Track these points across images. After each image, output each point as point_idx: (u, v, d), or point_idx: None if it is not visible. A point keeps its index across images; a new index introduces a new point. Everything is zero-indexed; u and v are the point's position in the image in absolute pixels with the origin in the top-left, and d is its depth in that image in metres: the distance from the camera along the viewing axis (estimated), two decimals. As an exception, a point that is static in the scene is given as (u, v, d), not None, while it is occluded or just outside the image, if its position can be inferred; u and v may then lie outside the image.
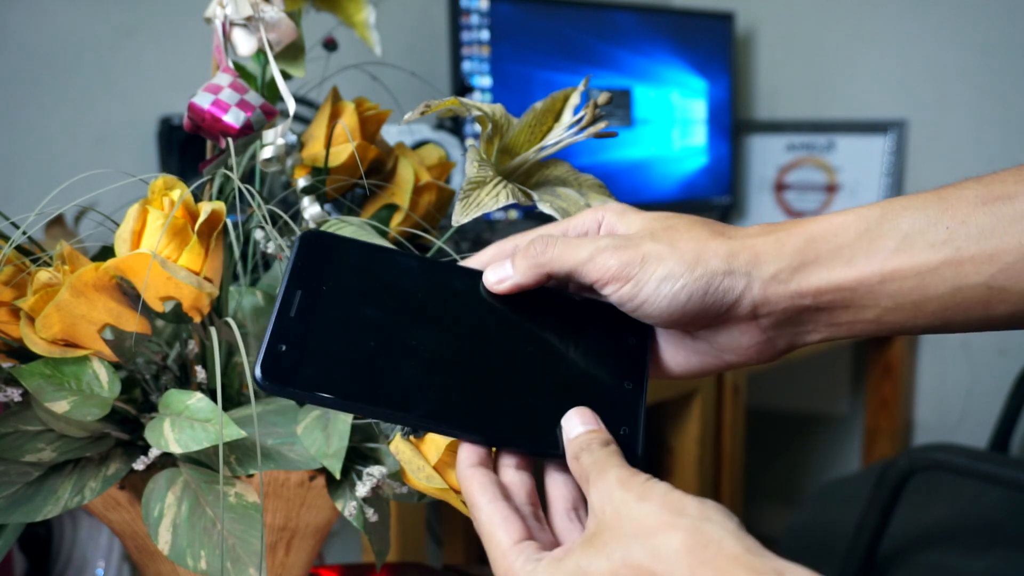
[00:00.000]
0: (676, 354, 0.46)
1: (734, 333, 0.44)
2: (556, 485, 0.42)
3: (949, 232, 0.40)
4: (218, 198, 0.59)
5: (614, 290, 0.43)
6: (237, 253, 0.58)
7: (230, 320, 0.51)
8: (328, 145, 0.61)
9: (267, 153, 0.56)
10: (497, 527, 0.40)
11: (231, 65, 0.56)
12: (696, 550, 0.34)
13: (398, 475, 0.52)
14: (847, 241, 0.42)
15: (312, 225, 0.58)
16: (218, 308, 0.55)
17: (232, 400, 0.59)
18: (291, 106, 0.55)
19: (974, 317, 0.41)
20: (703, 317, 0.43)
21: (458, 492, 0.48)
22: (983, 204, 0.40)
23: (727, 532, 0.34)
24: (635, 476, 0.38)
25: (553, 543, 0.40)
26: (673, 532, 0.35)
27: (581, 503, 0.42)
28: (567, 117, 0.54)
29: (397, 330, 0.43)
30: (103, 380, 0.50)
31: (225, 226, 0.51)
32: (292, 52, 0.58)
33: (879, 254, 0.41)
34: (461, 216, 0.48)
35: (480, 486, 0.41)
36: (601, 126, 0.53)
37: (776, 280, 0.42)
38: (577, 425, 0.41)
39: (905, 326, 0.42)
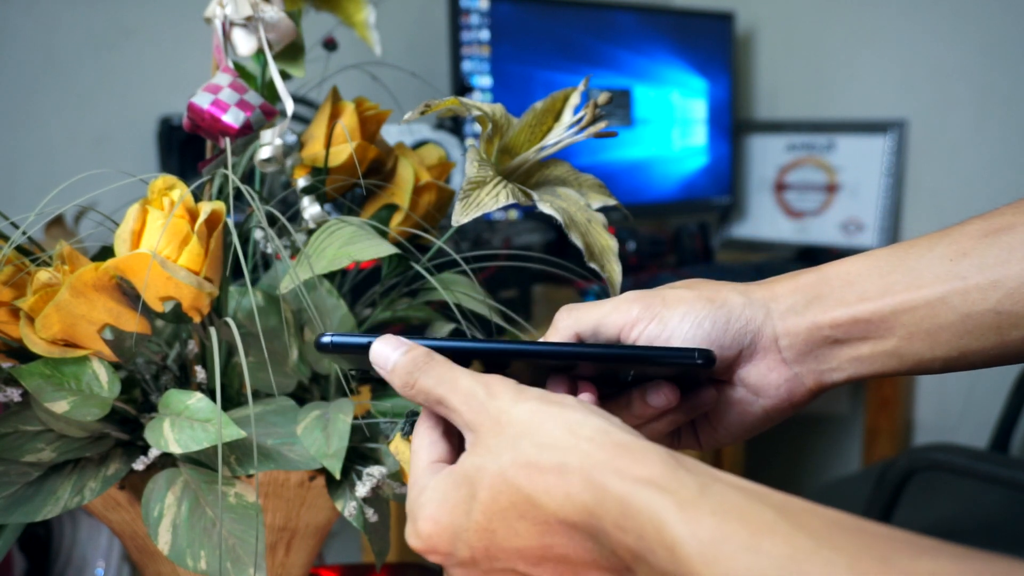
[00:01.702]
0: (721, 413, 0.47)
1: (762, 368, 0.45)
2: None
3: (953, 264, 0.42)
4: (218, 198, 0.59)
5: (640, 331, 0.44)
6: (238, 250, 0.58)
7: (230, 320, 0.51)
8: (328, 145, 0.61)
9: (265, 153, 0.56)
10: (422, 448, 0.40)
11: (231, 65, 0.56)
12: (582, 442, 0.34)
13: (398, 475, 0.52)
14: (858, 278, 0.44)
15: (312, 225, 0.58)
16: (218, 308, 0.55)
17: (232, 400, 0.59)
18: (289, 106, 0.55)
19: (990, 344, 0.42)
20: (730, 349, 0.44)
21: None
22: (984, 236, 0.42)
23: (612, 424, 0.35)
24: (501, 383, 0.38)
25: None
26: (556, 422, 0.35)
27: None
28: (567, 117, 0.54)
29: None
30: (103, 380, 0.50)
31: (225, 226, 0.51)
32: (292, 52, 0.58)
33: (890, 288, 0.43)
34: (461, 216, 0.48)
35: (424, 412, 0.42)
36: (601, 126, 0.53)
37: (793, 311, 0.44)
38: (390, 353, 0.41)
39: (924, 358, 0.43)
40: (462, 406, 0.38)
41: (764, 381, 0.45)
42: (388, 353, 0.41)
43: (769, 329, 0.44)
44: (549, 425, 0.35)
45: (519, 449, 0.35)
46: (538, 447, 0.35)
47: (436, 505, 0.37)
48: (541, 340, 0.44)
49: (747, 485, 0.32)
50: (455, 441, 0.41)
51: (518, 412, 0.36)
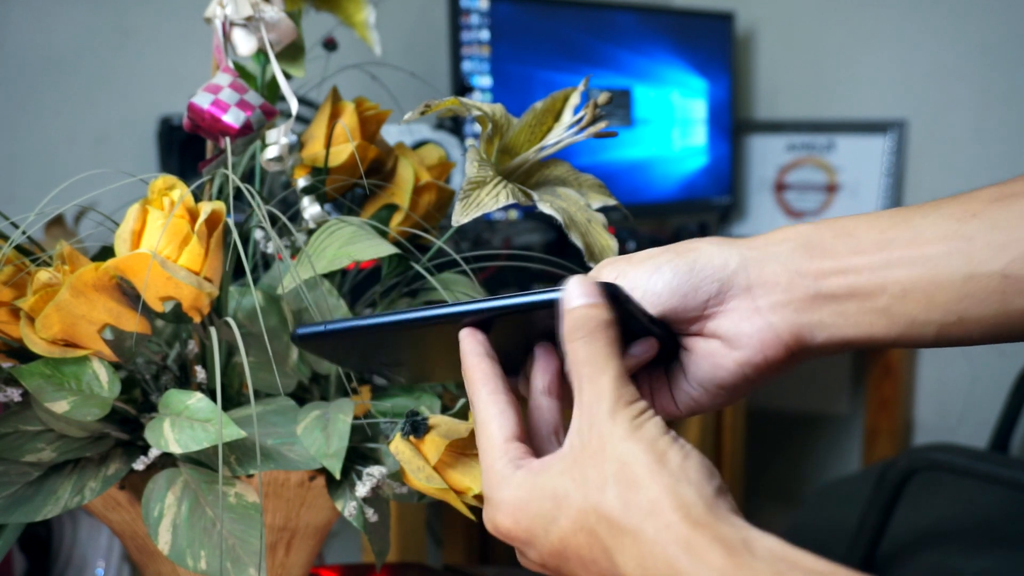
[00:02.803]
0: (693, 367, 0.44)
1: (733, 318, 0.42)
2: (540, 409, 0.41)
3: (960, 224, 0.39)
4: (218, 198, 0.59)
5: None
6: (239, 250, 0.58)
7: (230, 320, 0.51)
8: (328, 145, 0.61)
9: (272, 153, 0.56)
10: (492, 420, 0.40)
11: (231, 65, 0.56)
12: (666, 512, 0.34)
13: (398, 475, 0.52)
14: (856, 230, 0.41)
15: (312, 225, 0.58)
16: (218, 308, 0.55)
17: (232, 400, 0.59)
18: (294, 106, 0.55)
19: (991, 312, 0.39)
20: (695, 298, 0.42)
21: (459, 492, 0.48)
22: (995, 201, 0.39)
23: (700, 498, 0.34)
24: (628, 407, 0.36)
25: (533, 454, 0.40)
26: (648, 488, 0.34)
27: (562, 429, 0.40)
28: (567, 117, 0.54)
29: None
30: (103, 380, 0.50)
31: (225, 226, 0.51)
32: (292, 52, 0.58)
33: (888, 243, 0.40)
34: (461, 216, 0.48)
35: (483, 376, 0.41)
36: (601, 126, 0.53)
37: (774, 258, 0.41)
38: (578, 296, 0.38)
39: (917, 320, 0.40)
40: (586, 406, 0.37)
41: (736, 330, 0.42)
42: (576, 296, 0.38)
43: (743, 277, 0.41)
44: (643, 481, 0.34)
45: (607, 496, 0.35)
46: (624, 504, 0.34)
47: (518, 508, 0.37)
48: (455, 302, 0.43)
49: (822, 568, 0.31)
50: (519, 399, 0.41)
51: (622, 450, 0.35)
